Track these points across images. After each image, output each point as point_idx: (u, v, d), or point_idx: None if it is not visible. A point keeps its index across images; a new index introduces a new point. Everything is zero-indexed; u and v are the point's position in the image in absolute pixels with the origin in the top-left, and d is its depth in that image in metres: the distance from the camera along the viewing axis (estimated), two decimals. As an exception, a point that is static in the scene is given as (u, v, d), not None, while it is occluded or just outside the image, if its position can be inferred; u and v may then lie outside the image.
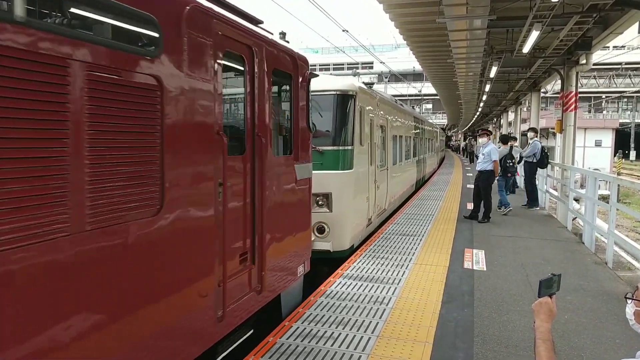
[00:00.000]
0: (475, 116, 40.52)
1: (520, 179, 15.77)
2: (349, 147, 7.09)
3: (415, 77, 55.41)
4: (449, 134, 64.49)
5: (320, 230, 6.90)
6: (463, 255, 7.27)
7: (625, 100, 58.36)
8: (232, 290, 3.51)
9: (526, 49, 11.35)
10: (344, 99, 7.20)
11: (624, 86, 54.37)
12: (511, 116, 28.81)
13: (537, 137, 12.90)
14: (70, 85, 2.13)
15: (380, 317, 4.73)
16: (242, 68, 3.76)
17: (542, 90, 21.23)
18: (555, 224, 10.56)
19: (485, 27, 10.39)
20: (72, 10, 2.43)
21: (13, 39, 1.89)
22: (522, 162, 12.95)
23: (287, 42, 4.84)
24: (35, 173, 2.02)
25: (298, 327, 4.47)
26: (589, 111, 54.73)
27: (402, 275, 6.13)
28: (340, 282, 5.82)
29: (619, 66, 51.81)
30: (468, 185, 16.28)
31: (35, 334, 2.02)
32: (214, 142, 3.22)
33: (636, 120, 52.29)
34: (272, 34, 4.30)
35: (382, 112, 9.62)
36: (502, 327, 4.61)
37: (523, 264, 6.91)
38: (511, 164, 11.67)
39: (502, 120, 33.32)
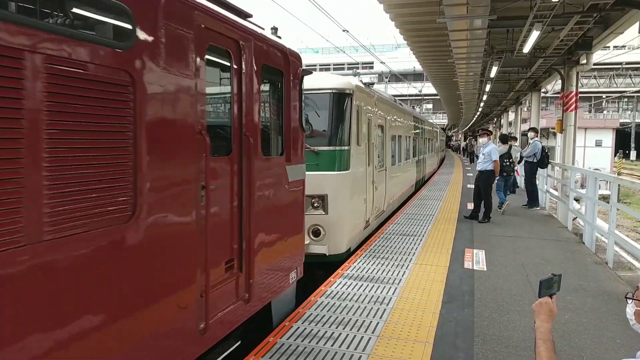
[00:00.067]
0: (476, 116, 40.51)
1: (520, 179, 15.77)
2: (346, 148, 6.90)
3: (415, 77, 55.40)
4: (450, 134, 64.48)
5: (316, 233, 6.68)
6: (463, 255, 7.27)
7: (626, 100, 58.35)
8: (216, 300, 3.30)
9: (526, 48, 11.35)
10: (340, 98, 7.00)
11: (625, 86, 54.34)
12: (511, 116, 28.82)
13: (537, 137, 12.89)
14: (25, 79, 1.94)
15: (380, 317, 4.73)
16: (228, 64, 3.55)
17: (543, 90, 21.24)
18: (556, 224, 10.56)
19: (486, 27, 10.39)
20: None
21: None
22: (523, 162, 12.95)
23: (279, 37, 4.66)
24: None
25: (298, 327, 4.47)
26: (590, 111, 54.72)
27: (402, 275, 6.13)
28: (340, 282, 5.82)
29: (620, 66, 51.76)
30: (468, 185, 16.27)
31: None
32: (195, 143, 3.01)
33: (636, 120, 52.28)
34: (263, 28, 4.13)
35: (380, 112, 9.47)
36: (502, 327, 4.61)
37: (523, 264, 6.91)
38: (507, 162, 11.65)
39: (502, 120, 33.32)
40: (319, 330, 4.41)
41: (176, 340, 2.94)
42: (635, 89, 52.19)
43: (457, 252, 7.44)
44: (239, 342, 3.98)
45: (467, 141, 43.20)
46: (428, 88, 44.21)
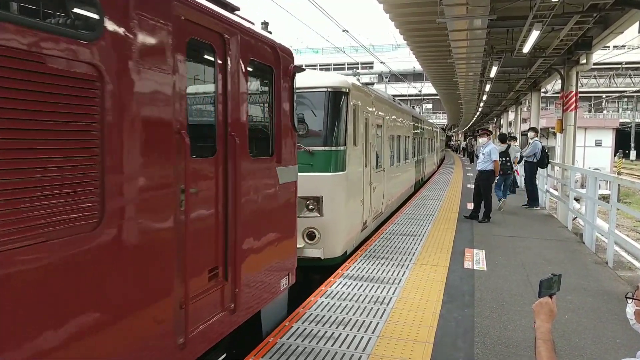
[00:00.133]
0: (476, 116, 40.53)
1: (520, 179, 15.78)
2: (342, 148, 6.68)
3: (415, 77, 55.40)
4: (449, 134, 64.48)
5: (311, 236, 6.45)
6: (463, 255, 7.27)
7: (626, 100, 58.36)
8: (197, 312, 3.08)
9: (526, 48, 11.36)
10: (335, 96, 6.78)
11: (624, 86, 54.34)
12: (511, 116, 28.84)
13: (537, 136, 12.90)
14: None
15: (380, 317, 4.73)
16: (211, 59, 3.34)
17: (543, 90, 21.25)
18: (556, 224, 10.56)
19: (486, 27, 10.40)
20: None
21: None
22: (523, 161, 12.96)
23: (270, 32, 4.48)
24: None
25: (298, 327, 4.47)
26: (589, 111, 54.73)
27: (402, 276, 6.13)
28: (340, 282, 5.82)
29: (619, 66, 51.77)
30: (468, 185, 16.27)
31: None
32: (172, 143, 2.77)
33: (636, 120, 52.29)
34: (252, 23, 3.93)
35: (378, 111, 9.28)
36: (502, 327, 4.61)
37: (523, 263, 6.91)
38: (504, 161, 11.65)
39: (502, 120, 33.35)
40: (319, 330, 4.41)
41: (153, 356, 2.70)
42: (635, 89, 52.21)
43: (457, 252, 7.44)
44: (224, 355, 3.77)
45: (467, 141, 43.21)
46: (428, 88, 44.21)
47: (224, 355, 3.78)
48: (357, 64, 53.61)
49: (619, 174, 30.85)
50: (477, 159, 11.48)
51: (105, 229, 2.31)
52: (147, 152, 2.60)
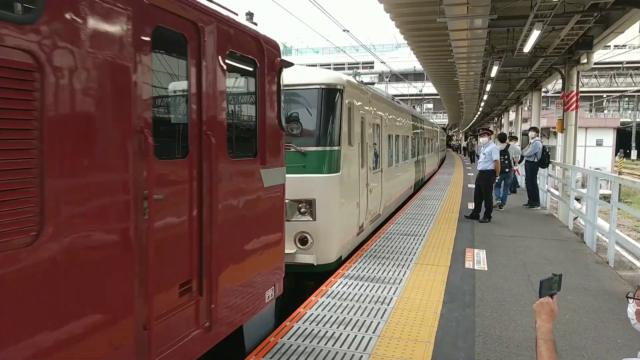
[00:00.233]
0: (476, 116, 40.52)
1: (521, 179, 15.78)
2: (336, 148, 6.34)
3: (416, 76, 55.37)
4: (450, 134, 64.48)
5: (303, 241, 6.11)
6: (464, 255, 7.27)
7: (627, 99, 58.31)
8: (165, 332, 2.76)
9: (527, 48, 11.36)
10: (329, 94, 6.43)
11: (625, 85, 54.31)
12: (512, 116, 28.82)
13: (538, 136, 12.91)
14: None
15: (381, 317, 4.73)
16: (183, 50, 3.02)
17: (543, 89, 21.24)
18: (557, 224, 10.55)
19: (486, 26, 10.39)
20: None
21: None
22: (524, 161, 12.96)
23: (255, 24, 4.15)
24: None
25: (299, 327, 4.47)
26: (590, 110, 54.69)
27: (403, 275, 6.13)
28: (341, 282, 5.82)
29: (620, 65, 51.71)
30: (469, 185, 16.27)
31: None
32: (132, 143, 2.45)
33: (637, 120, 52.24)
34: (236, 14, 3.66)
35: (375, 110, 8.98)
36: (503, 327, 4.61)
37: (524, 263, 6.91)
38: (502, 159, 11.65)
39: (503, 120, 33.33)
40: (320, 330, 4.41)
41: None
42: (635, 89, 52.18)
43: (458, 251, 7.43)
44: None
45: (468, 141, 43.21)
46: (428, 88, 44.21)
47: None
48: (358, 63, 53.58)
49: (619, 173, 30.84)
50: (478, 158, 11.48)
51: (45, 242, 2.01)
52: (98, 154, 2.29)
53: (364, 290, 5.53)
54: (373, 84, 10.22)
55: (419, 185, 17.03)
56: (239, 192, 3.60)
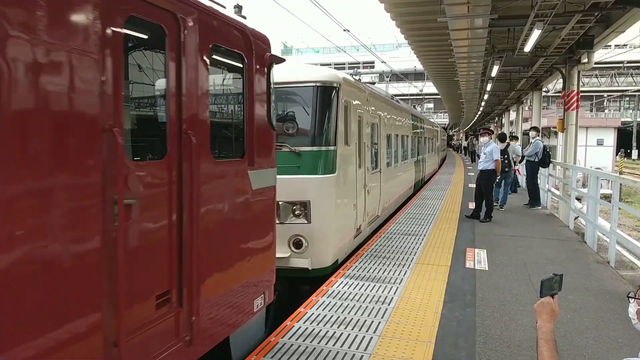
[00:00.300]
0: (477, 115, 40.50)
1: (522, 178, 15.78)
2: (331, 148, 6.12)
3: (416, 76, 55.37)
4: (451, 133, 64.47)
5: (297, 244, 5.88)
6: (465, 254, 7.26)
7: (627, 99, 58.25)
8: (139, 348, 2.56)
9: (528, 48, 11.35)
10: (324, 92, 6.20)
11: (626, 85, 54.27)
12: (513, 115, 28.79)
13: (539, 136, 12.91)
14: None
15: (382, 317, 4.73)
16: (161, 42, 2.81)
17: (544, 89, 21.22)
18: (557, 223, 10.55)
19: (487, 26, 10.38)
20: None
21: None
22: (524, 161, 12.96)
23: (244, 17, 3.91)
24: None
25: (300, 327, 4.47)
26: (591, 110, 54.66)
27: (403, 275, 6.12)
28: (341, 282, 5.82)
29: (621, 65, 51.67)
30: (470, 185, 16.27)
31: None
32: (98, 143, 2.25)
33: (638, 119, 52.20)
34: (223, 6, 3.48)
35: (373, 109, 8.74)
36: (504, 327, 4.60)
37: (525, 263, 6.90)
38: (501, 159, 11.64)
39: (503, 120, 33.31)
40: (321, 330, 4.41)
41: None
42: (636, 88, 52.15)
43: (459, 251, 7.43)
44: None
45: (469, 140, 43.20)
46: (429, 87, 44.20)
47: None
48: (358, 63, 53.62)
49: (620, 173, 30.82)
50: (479, 158, 11.48)
51: None
52: (62, 154, 2.08)
53: (365, 290, 5.53)
54: (374, 83, 10.14)
55: (419, 186, 16.93)
56: (224, 195, 3.39)
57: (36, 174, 2.00)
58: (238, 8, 4.32)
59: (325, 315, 4.77)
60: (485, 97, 24.60)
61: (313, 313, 4.82)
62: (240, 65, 3.64)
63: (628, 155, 48.26)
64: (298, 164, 5.86)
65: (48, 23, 2.01)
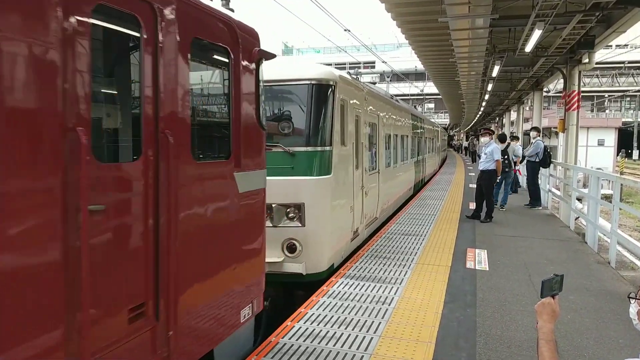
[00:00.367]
0: (478, 115, 40.49)
1: (522, 179, 15.77)
2: (327, 148, 5.90)
3: (417, 76, 55.36)
4: (452, 134, 64.47)
5: (291, 248, 5.67)
6: (465, 255, 7.26)
7: (628, 99, 58.17)
8: None
9: (528, 48, 11.34)
10: (320, 90, 5.97)
11: (627, 85, 54.18)
12: (513, 115, 28.78)
13: (539, 136, 12.91)
14: None
15: (382, 317, 4.73)
16: (135, 34, 2.59)
17: (545, 89, 21.19)
18: (558, 224, 10.54)
19: (488, 26, 10.38)
20: None
21: None
22: (525, 161, 12.96)
23: (232, 10, 3.73)
24: None
25: (300, 327, 4.47)
26: (592, 110, 54.61)
27: (404, 275, 6.12)
28: (342, 282, 5.82)
29: (622, 65, 51.62)
30: (470, 185, 16.26)
31: None
32: (57, 143, 2.04)
33: (639, 119, 52.14)
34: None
35: (372, 108, 8.52)
36: (504, 327, 4.60)
37: (526, 263, 6.90)
38: (501, 159, 11.63)
39: (504, 120, 33.30)
40: (321, 330, 4.41)
41: None
42: (637, 88, 52.06)
43: (459, 251, 7.43)
44: None
45: (469, 141, 43.19)
46: (430, 87, 44.22)
47: None
48: (359, 63, 53.62)
49: (621, 173, 30.80)
50: (479, 158, 11.47)
51: None
52: (8, 157, 1.88)
53: (365, 290, 5.53)
54: (374, 83, 10.10)
55: (419, 186, 16.86)
56: (206, 199, 3.16)
57: None
58: (226, 0, 4.12)
59: (326, 315, 4.77)
60: (486, 97, 24.59)
61: (313, 313, 4.82)
62: (226, 60, 3.43)
63: (629, 155, 48.26)
64: (292, 165, 5.66)
65: (4, 15, 1.84)
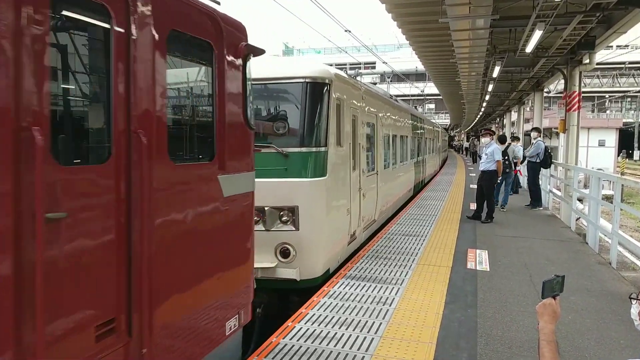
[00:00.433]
0: (478, 116, 40.49)
1: (523, 179, 15.77)
2: (322, 149, 5.70)
3: (417, 77, 55.30)
4: (452, 134, 64.46)
5: (285, 253, 5.46)
6: (466, 255, 7.26)
7: (629, 99, 58.14)
8: None
9: (529, 48, 11.34)
10: (314, 89, 5.76)
11: (628, 85, 54.13)
12: (514, 116, 28.77)
13: (540, 137, 12.92)
14: None
15: (383, 318, 4.73)
16: (105, 25, 2.37)
17: (545, 90, 21.19)
18: (559, 224, 10.54)
19: (488, 26, 10.37)
20: None
21: None
22: (526, 162, 12.96)
23: (217, 2, 3.41)
24: None
25: (301, 328, 4.47)
26: (593, 111, 54.58)
27: (405, 276, 6.12)
28: (343, 283, 5.82)
29: (623, 65, 51.59)
30: (471, 186, 16.26)
31: None
32: (9, 143, 1.86)
33: (640, 120, 52.15)
34: None
35: (370, 107, 8.32)
36: (505, 328, 4.60)
37: (526, 264, 6.90)
38: (502, 160, 11.62)
39: (505, 120, 33.29)
40: (322, 331, 4.41)
41: None
42: (638, 89, 51.99)
43: (460, 252, 7.43)
44: None
45: (470, 141, 43.16)
46: (430, 88, 44.18)
47: None
48: (360, 64, 53.62)
49: (622, 174, 30.77)
50: (480, 159, 11.47)
51: None
52: None
53: (366, 291, 5.52)
54: (375, 84, 10.05)
55: (419, 188, 16.77)
56: (185, 204, 2.92)
57: None
58: None
59: (327, 316, 4.77)
60: (487, 97, 24.59)
61: (314, 314, 4.82)
62: (209, 55, 3.20)
63: (630, 156, 48.13)
64: (285, 166, 5.46)
65: None
